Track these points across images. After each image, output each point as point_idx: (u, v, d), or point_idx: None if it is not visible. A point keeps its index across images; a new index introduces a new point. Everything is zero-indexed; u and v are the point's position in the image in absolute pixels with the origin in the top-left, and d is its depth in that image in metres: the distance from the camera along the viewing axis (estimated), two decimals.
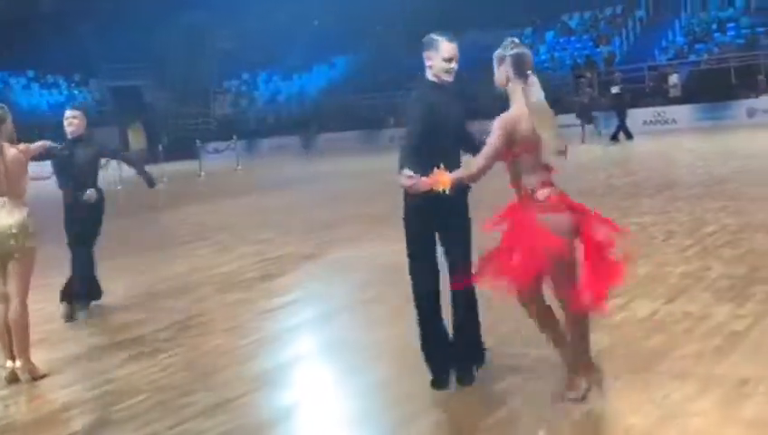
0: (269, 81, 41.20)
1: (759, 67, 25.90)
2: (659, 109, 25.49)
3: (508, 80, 4.00)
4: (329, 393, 4.85)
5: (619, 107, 22.19)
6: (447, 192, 3.93)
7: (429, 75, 4.35)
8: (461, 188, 4.16)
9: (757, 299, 5.62)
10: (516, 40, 4.10)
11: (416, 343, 4.78)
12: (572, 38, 32.30)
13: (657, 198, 10.67)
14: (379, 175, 18.50)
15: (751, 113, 24.29)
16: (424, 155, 4.12)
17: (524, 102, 3.94)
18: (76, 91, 41.01)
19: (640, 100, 26.10)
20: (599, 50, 30.42)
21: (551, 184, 4.00)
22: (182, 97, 41.05)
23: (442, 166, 3.96)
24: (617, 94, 22.63)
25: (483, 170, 3.97)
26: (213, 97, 41.50)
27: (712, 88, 25.21)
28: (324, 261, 8.72)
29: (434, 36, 4.34)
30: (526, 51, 4.04)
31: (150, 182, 7.70)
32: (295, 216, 12.65)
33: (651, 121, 25.11)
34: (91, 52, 39.17)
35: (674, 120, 24.60)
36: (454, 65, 4.30)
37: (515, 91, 3.99)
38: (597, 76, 27.17)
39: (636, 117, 23.83)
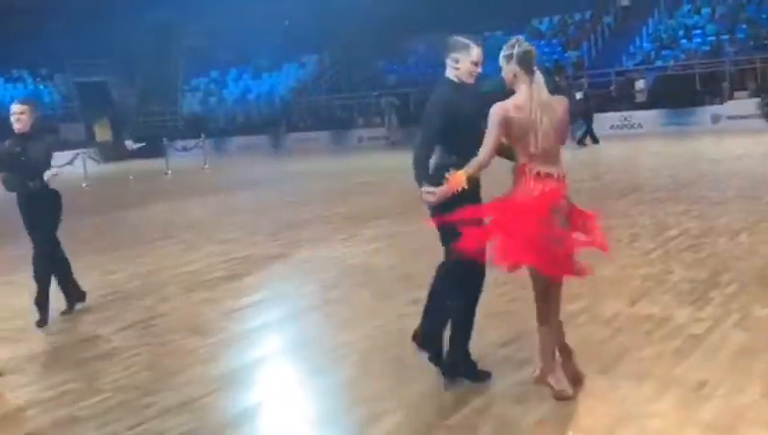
0: (239, 79, 40.95)
1: (723, 74, 26.30)
2: (626, 113, 25.77)
3: (515, 76, 4.15)
4: (293, 393, 4.84)
5: (586, 111, 22.42)
6: (466, 187, 4.11)
7: (452, 76, 4.46)
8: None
9: (717, 302, 5.72)
10: (521, 38, 4.25)
11: (383, 342, 4.81)
12: (542, 42, 32.56)
13: (622, 202, 10.79)
14: (348, 175, 18.54)
15: (715, 119, 24.65)
16: (445, 153, 4.34)
17: (529, 94, 4.10)
18: (42, 86, 40.44)
19: (607, 104, 26.38)
20: (567, 54, 30.71)
21: (540, 175, 4.09)
22: (150, 94, 40.64)
23: (452, 170, 4.13)
24: (581, 100, 22.86)
25: (486, 160, 4.12)
26: (181, 95, 41.15)
27: (677, 94, 25.56)
28: (292, 261, 8.70)
29: (464, 40, 4.49)
30: (531, 48, 4.20)
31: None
32: (263, 215, 12.61)
33: (618, 126, 25.38)
34: (58, 46, 38.58)
35: (640, 125, 24.90)
36: (479, 69, 4.48)
37: (523, 85, 4.13)
38: (565, 80, 27.40)
39: (603, 121, 24.08)
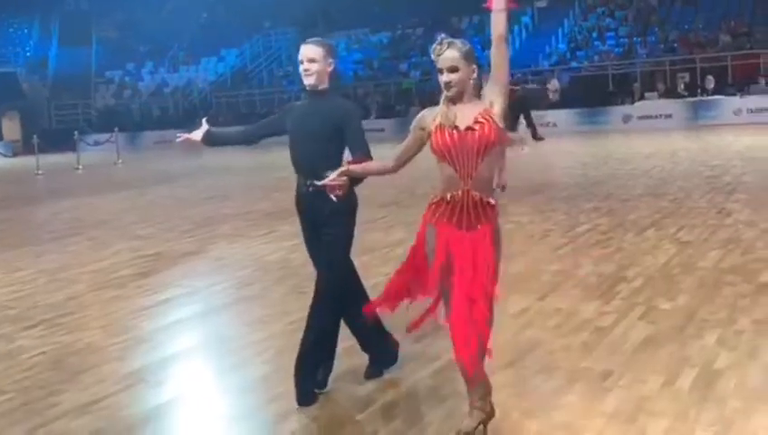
0: (155, 72, 40.07)
1: (635, 75, 27.21)
2: (541, 112, 26.25)
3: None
4: (206, 390, 4.77)
5: (523, 108, 22.83)
6: None
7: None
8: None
9: (622, 296, 5.90)
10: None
11: (298, 338, 4.74)
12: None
13: (535, 198, 11.03)
14: (267, 171, 18.36)
15: (626, 119, 25.47)
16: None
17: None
18: None
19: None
20: (485, 53, 31.17)
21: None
22: (62, 86, 39.41)
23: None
24: (519, 97, 23.17)
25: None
26: (95, 87, 39.98)
27: (591, 94, 26.29)
28: (206, 258, 8.57)
29: None
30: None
31: None
32: (178, 212, 12.36)
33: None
34: None
35: (554, 124, 25.46)
36: (305, 66, 4.28)
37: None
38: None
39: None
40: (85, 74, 39.78)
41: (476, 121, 3.52)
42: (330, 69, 4.31)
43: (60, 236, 10.61)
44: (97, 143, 27.11)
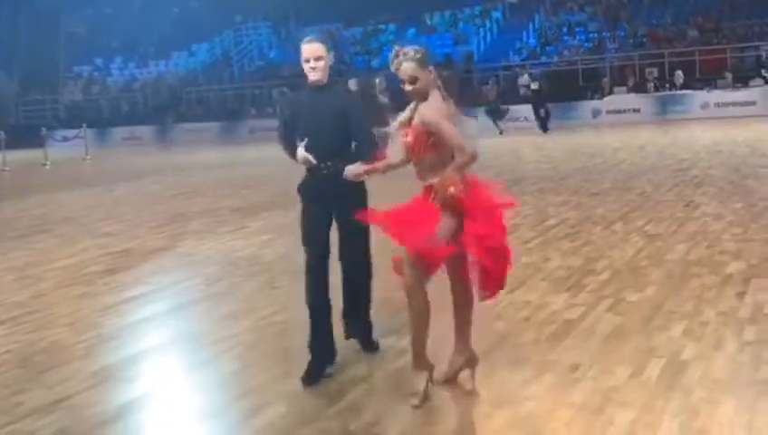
0: (124, 67, 39.60)
1: (604, 70, 27.43)
2: (511, 107, 26.40)
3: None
4: (175, 387, 4.74)
5: (539, 101, 23.23)
6: None
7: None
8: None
9: (590, 289, 5.95)
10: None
11: (267, 334, 4.76)
12: (433, 36, 32.99)
13: (504, 192, 11.04)
14: (238, 167, 18.27)
15: (595, 114, 25.68)
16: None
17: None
18: None
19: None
20: (457, 48, 31.22)
21: None
22: (30, 82, 38.83)
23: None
24: (536, 90, 23.53)
25: None
26: (62, 82, 39.45)
27: (561, 89, 26.43)
28: (175, 254, 8.50)
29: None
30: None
31: None
32: (147, 208, 12.25)
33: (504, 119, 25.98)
34: None
35: (525, 118, 25.57)
36: (312, 64, 4.45)
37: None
38: (457, 73, 27.84)
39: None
40: (53, 70, 39.21)
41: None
42: (331, 63, 4.53)
43: (27, 233, 10.47)
44: (65, 139, 26.78)
